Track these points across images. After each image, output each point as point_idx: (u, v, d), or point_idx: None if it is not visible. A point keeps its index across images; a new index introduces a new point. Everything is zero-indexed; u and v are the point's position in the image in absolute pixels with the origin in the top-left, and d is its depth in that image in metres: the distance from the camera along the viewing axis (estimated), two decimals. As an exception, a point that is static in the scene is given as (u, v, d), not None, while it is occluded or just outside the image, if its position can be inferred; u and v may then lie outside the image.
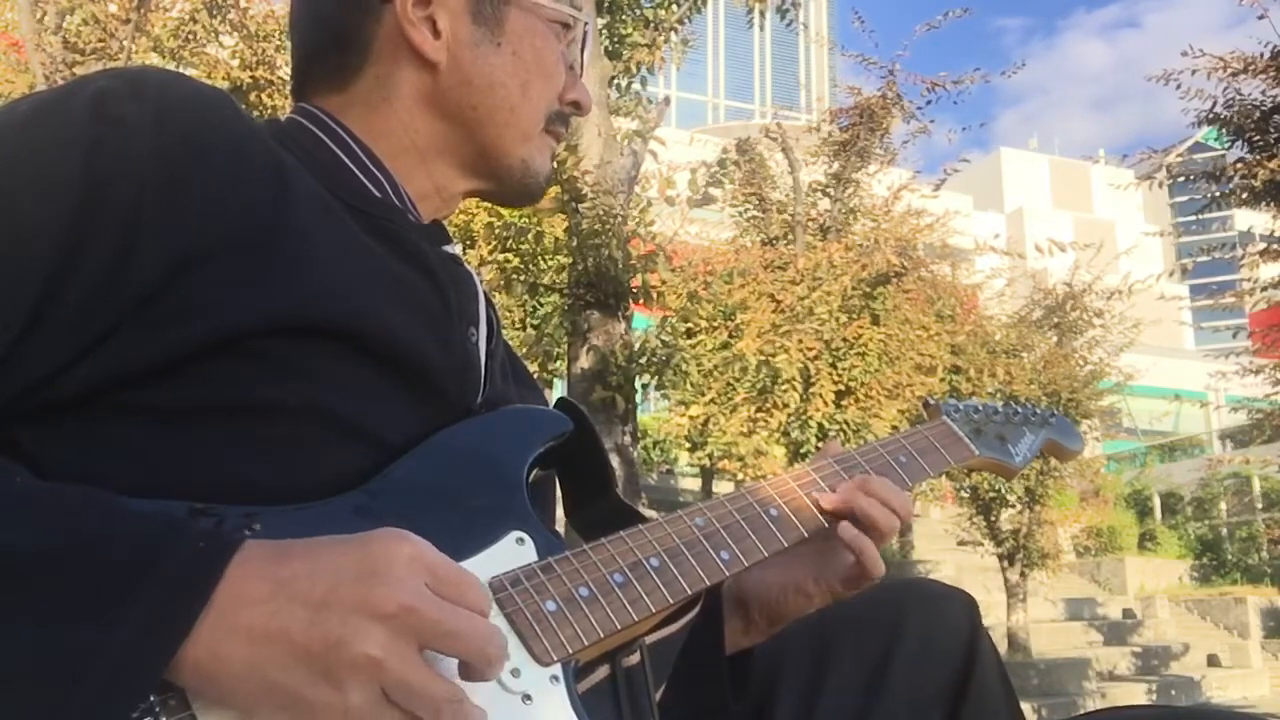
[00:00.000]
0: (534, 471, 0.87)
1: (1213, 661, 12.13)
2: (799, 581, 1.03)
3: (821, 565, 1.02)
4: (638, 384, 6.36)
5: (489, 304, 0.98)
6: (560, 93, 0.98)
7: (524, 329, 7.94)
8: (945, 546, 13.07)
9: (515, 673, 0.72)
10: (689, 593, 0.86)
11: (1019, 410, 1.25)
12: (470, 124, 0.93)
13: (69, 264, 0.67)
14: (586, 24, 1.02)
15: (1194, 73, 7.84)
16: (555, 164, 5.97)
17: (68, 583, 0.58)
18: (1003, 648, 9.95)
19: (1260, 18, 7.58)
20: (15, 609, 0.57)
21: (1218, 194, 8.52)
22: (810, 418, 6.88)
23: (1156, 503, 19.71)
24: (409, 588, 0.61)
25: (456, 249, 0.97)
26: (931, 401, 1.21)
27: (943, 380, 7.65)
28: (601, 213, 5.54)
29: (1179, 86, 7.90)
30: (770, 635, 1.06)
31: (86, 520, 0.62)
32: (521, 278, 6.63)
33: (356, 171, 0.90)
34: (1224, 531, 18.72)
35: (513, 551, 0.79)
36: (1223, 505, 19.21)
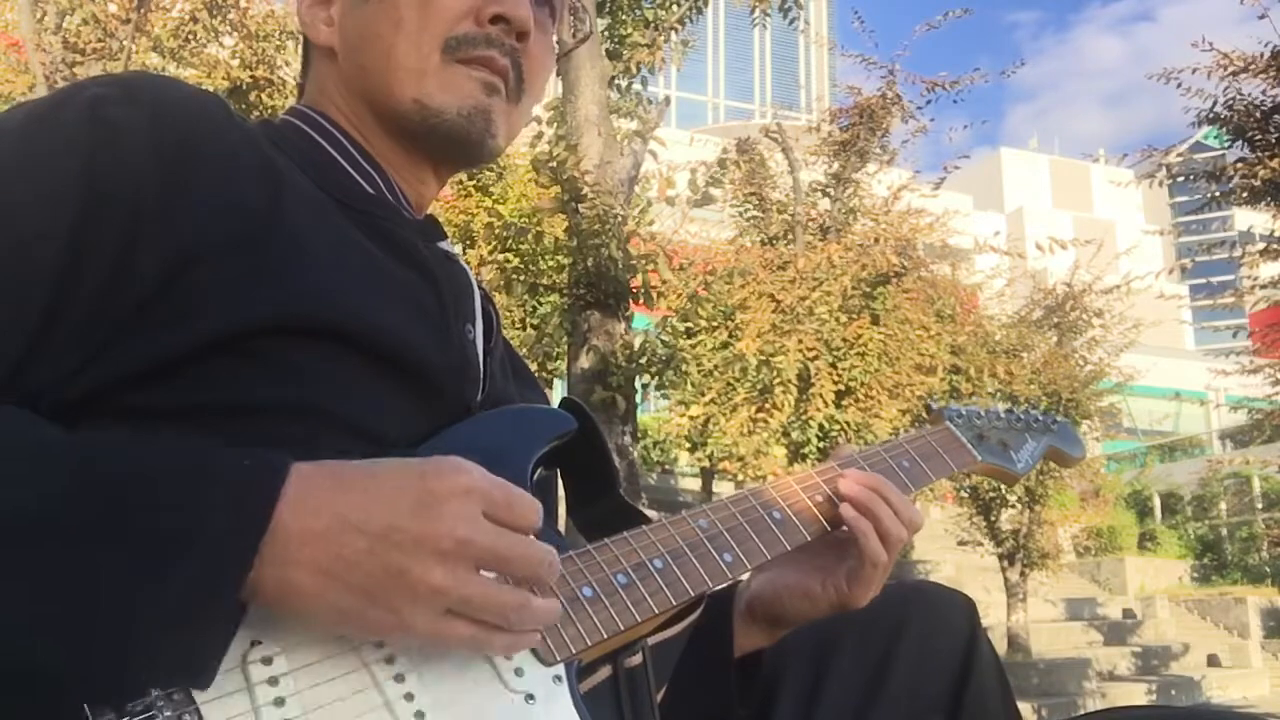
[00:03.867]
0: (538, 470, 0.87)
1: (1213, 661, 12.12)
2: (805, 585, 1.03)
3: (829, 568, 1.02)
4: (638, 384, 6.35)
5: (486, 300, 0.97)
6: (467, 12, 0.89)
7: (524, 329, 7.95)
8: (945, 546, 13.06)
9: (518, 672, 0.72)
10: (692, 594, 0.86)
11: (1021, 416, 1.25)
12: (367, 86, 0.91)
13: (75, 269, 0.68)
14: None
15: (1194, 71, 7.83)
16: (555, 164, 5.91)
17: (161, 499, 0.61)
18: (1002, 648, 9.95)
19: (1260, 17, 7.57)
20: (113, 525, 0.59)
21: (1218, 193, 8.51)
22: (810, 418, 6.87)
23: (1156, 503, 19.71)
24: (464, 520, 0.65)
25: (451, 245, 0.97)
26: (934, 407, 1.20)
27: (943, 380, 7.64)
28: (601, 213, 5.54)
29: (1180, 85, 7.90)
30: (772, 638, 1.06)
31: (153, 454, 0.65)
32: (521, 278, 6.63)
33: (349, 169, 0.90)
34: (1224, 531, 18.71)
35: (516, 551, 0.79)
36: (1223, 505, 19.20)
